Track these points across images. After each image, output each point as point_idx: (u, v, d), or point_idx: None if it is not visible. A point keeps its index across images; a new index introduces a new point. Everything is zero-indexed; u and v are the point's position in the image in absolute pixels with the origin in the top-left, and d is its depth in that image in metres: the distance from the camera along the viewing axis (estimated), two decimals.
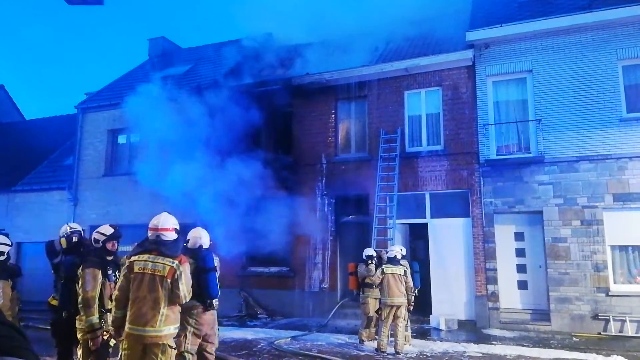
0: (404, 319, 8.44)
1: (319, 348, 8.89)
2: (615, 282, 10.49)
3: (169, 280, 4.25)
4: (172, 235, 4.49)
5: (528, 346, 9.03)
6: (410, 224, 12.53)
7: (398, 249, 8.80)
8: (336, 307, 11.93)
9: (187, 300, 4.44)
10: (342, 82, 13.42)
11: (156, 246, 4.37)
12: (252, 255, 13.51)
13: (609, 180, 10.62)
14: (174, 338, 4.42)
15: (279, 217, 12.41)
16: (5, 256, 5.52)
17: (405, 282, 8.39)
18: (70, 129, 17.66)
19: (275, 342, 9.16)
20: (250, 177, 12.48)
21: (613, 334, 9.96)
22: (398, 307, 8.27)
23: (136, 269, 4.30)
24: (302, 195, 13.29)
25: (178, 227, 4.61)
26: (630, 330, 9.92)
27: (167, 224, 4.51)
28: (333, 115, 13.63)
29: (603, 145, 10.76)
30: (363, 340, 9.13)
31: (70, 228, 6.25)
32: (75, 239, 6.01)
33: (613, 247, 10.59)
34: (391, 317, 8.30)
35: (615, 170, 10.61)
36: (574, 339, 9.80)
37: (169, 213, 4.67)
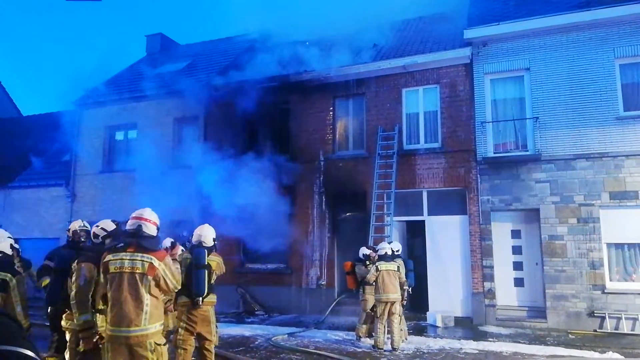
0: (399, 315, 8.50)
1: (316, 345, 8.91)
2: (611, 280, 10.54)
3: (149, 277, 4.09)
4: (153, 229, 4.34)
5: (524, 343, 9.06)
6: (408, 222, 12.56)
7: (387, 246, 8.87)
8: (333, 304, 11.95)
9: (177, 289, 4.39)
10: (340, 79, 13.42)
11: (135, 240, 4.19)
12: (249, 252, 13.52)
13: (605, 178, 10.65)
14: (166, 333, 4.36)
15: (277, 214, 12.42)
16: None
17: (399, 278, 8.45)
18: (67, 125, 17.60)
19: (272, 339, 9.18)
20: (248, 174, 12.49)
21: (609, 331, 10.02)
22: (393, 303, 8.34)
23: (112, 269, 4.11)
24: (299, 193, 13.30)
25: (159, 225, 4.47)
26: (625, 327, 9.97)
27: (150, 216, 4.38)
28: (331, 113, 13.62)
29: (600, 143, 10.80)
30: (360, 337, 9.16)
31: (80, 227, 6.15)
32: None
33: (609, 245, 10.64)
34: (386, 313, 8.35)
35: (612, 168, 10.65)
36: (570, 336, 9.85)
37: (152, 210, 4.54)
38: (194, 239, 6.29)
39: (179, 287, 4.41)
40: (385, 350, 8.32)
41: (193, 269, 5.95)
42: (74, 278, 4.56)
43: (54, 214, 16.41)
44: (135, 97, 15.91)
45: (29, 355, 1.09)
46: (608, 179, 10.64)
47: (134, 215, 4.33)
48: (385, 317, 8.36)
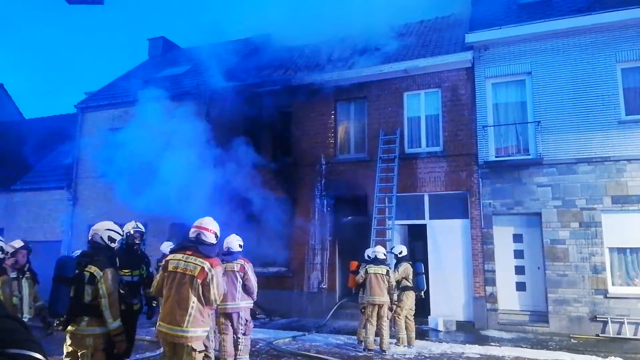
0: (387, 318, 8.55)
1: (317, 348, 8.89)
2: (613, 284, 10.51)
3: (199, 281, 4.27)
4: (211, 238, 4.59)
5: (526, 347, 9.04)
6: (409, 225, 12.54)
7: (380, 250, 8.91)
8: (334, 308, 11.93)
9: (217, 303, 4.49)
10: (341, 83, 13.43)
11: (194, 245, 4.46)
12: (250, 255, 13.49)
13: (607, 182, 10.64)
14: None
15: (278, 218, 12.42)
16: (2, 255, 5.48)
17: (388, 282, 8.46)
18: (69, 128, 17.67)
19: (273, 342, 9.17)
20: (249, 178, 12.50)
21: (611, 335, 9.99)
22: (380, 306, 8.42)
23: (170, 268, 4.38)
24: (301, 196, 13.31)
25: (219, 234, 4.71)
26: (628, 332, 9.94)
27: (210, 225, 4.63)
28: (332, 116, 13.64)
29: (602, 147, 10.79)
30: (362, 341, 9.14)
31: (134, 228, 5.94)
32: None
33: (611, 249, 10.62)
34: (375, 315, 8.42)
35: (614, 172, 10.63)
36: (572, 340, 9.82)
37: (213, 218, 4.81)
38: None
39: (219, 300, 4.50)
40: (386, 354, 8.32)
41: None
42: (103, 285, 4.47)
43: (56, 217, 16.43)
44: (137, 100, 15.93)
45: (38, 359, 1.11)
46: (610, 183, 10.62)
47: (195, 224, 4.62)
48: (375, 319, 8.43)
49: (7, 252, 5.64)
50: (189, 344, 4.17)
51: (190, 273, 4.29)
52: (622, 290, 10.41)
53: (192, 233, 4.58)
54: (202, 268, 4.30)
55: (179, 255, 4.42)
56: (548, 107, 11.36)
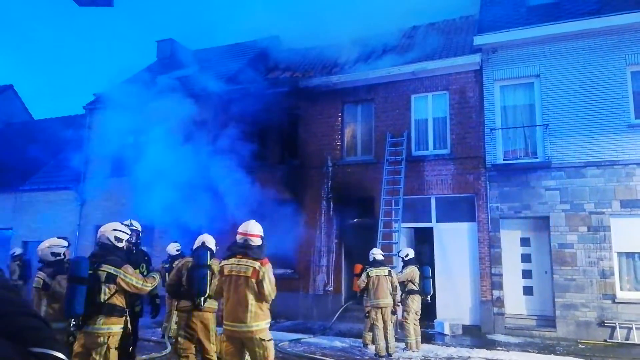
0: (391, 322, 8.47)
1: (323, 351, 8.89)
2: (621, 289, 10.42)
3: (253, 280, 4.66)
4: (257, 241, 4.92)
5: (533, 352, 8.98)
6: (416, 228, 12.49)
7: (377, 252, 8.86)
8: (340, 310, 11.89)
9: (272, 297, 4.81)
10: (349, 85, 13.43)
11: (244, 250, 4.83)
12: None
13: (616, 186, 10.55)
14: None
15: (284, 220, 12.42)
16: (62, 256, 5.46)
17: (391, 282, 8.40)
18: (78, 129, 17.78)
19: (279, 345, 9.15)
20: (256, 180, 12.52)
21: (619, 341, 9.89)
22: (384, 308, 8.32)
23: (226, 272, 4.78)
24: (307, 198, 13.30)
25: (263, 234, 5.03)
26: (636, 337, 9.83)
27: (254, 230, 4.93)
28: (339, 118, 13.63)
29: (611, 151, 10.70)
30: (367, 344, 9.12)
31: (129, 227, 5.88)
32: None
33: (620, 254, 10.52)
34: (380, 319, 8.30)
35: (623, 176, 10.54)
36: (580, 345, 9.73)
37: (257, 221, 5.09)
38: (196, 245, 6.30)
39: (273, 295, 4.81)
40: (390, 357, 8.27)
41: (194, 269, 5.91)
42: (133, 281, 4.74)
43: (64, 217, 16.54)
44: (145, 102, 16.00)
45: (61, 358, 1.12)
46: (619, 187, 10.53)
47: (240, 230, 4.96)
48: (381, 323, 8.31)
49: (58, 254, 5.52)
50: (257, 336, 4.59)
51: (244, 274, 4.69)
52: (631, 295, 10.31)
53: (239, 239, 4.92)
54: (254, 268, 4.69)
55: (232, 260, 4.79)
56: (557, 110, 11.28)
